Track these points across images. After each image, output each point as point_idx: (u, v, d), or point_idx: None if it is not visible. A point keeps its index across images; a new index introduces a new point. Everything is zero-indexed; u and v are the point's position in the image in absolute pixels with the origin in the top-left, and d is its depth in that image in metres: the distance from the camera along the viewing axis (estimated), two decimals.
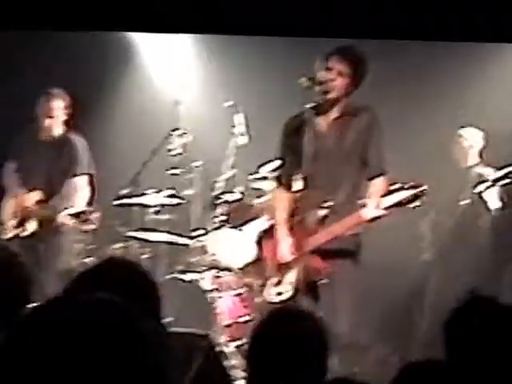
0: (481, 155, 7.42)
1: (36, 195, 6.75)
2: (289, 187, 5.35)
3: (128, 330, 1.48)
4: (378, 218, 4.89)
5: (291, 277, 5.20)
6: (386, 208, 4.85)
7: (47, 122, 6.87)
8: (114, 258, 3.19)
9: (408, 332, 7.25)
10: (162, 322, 2.76)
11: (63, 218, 6.55)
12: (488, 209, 7.15)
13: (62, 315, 1.47)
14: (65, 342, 1.42)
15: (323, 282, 5.08)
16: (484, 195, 7.10)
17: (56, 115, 6.86)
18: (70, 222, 6.54)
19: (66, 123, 6.96)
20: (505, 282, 7.03)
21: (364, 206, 4.94)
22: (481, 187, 7.08)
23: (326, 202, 5.10)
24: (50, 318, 1.48)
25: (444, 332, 2.67)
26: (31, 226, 6.70)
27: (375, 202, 4.88)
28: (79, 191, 6.83)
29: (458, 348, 2.60)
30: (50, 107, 6.84)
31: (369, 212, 4.88)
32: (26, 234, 6.71)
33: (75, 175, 6.82)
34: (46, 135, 6.92)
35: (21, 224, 6.75)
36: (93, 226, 6.58)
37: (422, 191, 4.78)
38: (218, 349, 5.32)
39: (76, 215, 6.49)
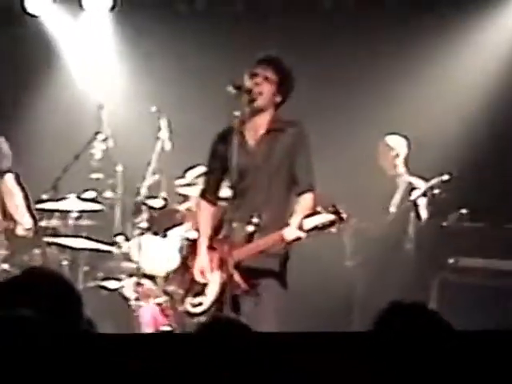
0: (406, 164, 7.47)
1: None
2: (213, 201, 5.32)
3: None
4: (299, 239, 4.88)
5: (212, 289, 5.15)
6: (308, 230, 4.83)
7: None
8: (35, 268, 3.16)
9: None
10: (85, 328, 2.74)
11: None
12: (419, 217, 7.20)
13: None
14: None
15: (245, 296, 5.03)
16: (417, 203, 7.16)
17: None
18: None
19: None
20: (431, 290, 7.10)
21: (287, 225, 4.91)
22: (414, 195, 7.14)
23: (253, 217, 5.04)
24: None
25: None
26: None
27: (297, 222, 4.86)
28: (12, 189, 6.67)
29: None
30: None
31: (290, 233, 4.87)
32: None
33: (3, 173, 6.67)
34: None
35: None
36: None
37: (341, 218, 4.78)
38: None
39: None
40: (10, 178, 6.67)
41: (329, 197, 4.96)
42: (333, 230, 4.81)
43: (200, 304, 5.19)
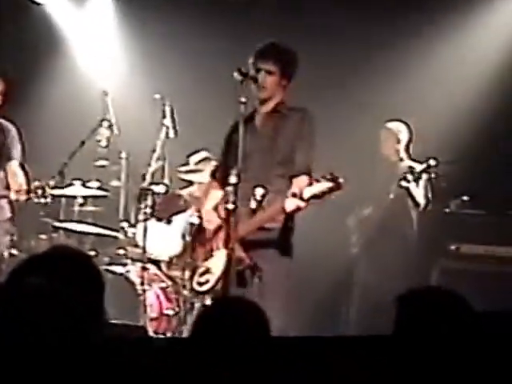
0: (407, 149, 7.51)
1: None
2: (223, 183, 5.41)
3: None
4: (299, 209, 5.00)
5: (217, 266, 5.24)
6: (307, 199, 4.93)
7: None
8: (59, 247, 3.21)
9: (337, 322, 7.35)
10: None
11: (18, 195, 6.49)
12: (416, 203, 7.25)
13: None
14: None
15: (250, 272, 5.14)
16: (410, 189, 7.19)
17: None
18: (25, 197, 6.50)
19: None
20: (432, 276, 7.15)
21: (287, 197, 5.02)
22: (406, 181, 7.15)
23: (255, 195, 5.18)
24: None
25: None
26: None
27: (297, 193, 4.97)
28: (17, 175, 6.74)
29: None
30: None
31: (290, 203, 4.98)
32: None
33: (9, 159, 6.72)
34: None
35: None
36: (47, 200, 6.53)
37: (338, 184, 4.86)
38: None
39: (28, 191, 6.46)
40: (15, 163, 6.76)
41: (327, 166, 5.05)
42: (331, 196, 4.89)
43: (207, 281, 5.29)
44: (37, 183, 6.51)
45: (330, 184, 4.86)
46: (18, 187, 6.52)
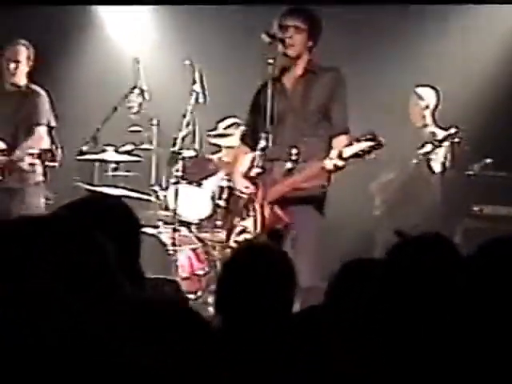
0: (433, 115, 7.60)
1: None
2: (253, 145, 5.47)
3: None
4: (340, 168, 5.04)
5: (254, 226, 5.33)
6: (346, 158, 4.99)
7: (12, 66, 6.94)
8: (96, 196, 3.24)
9: None
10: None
11: (28, 159, 6.71)
12: (432, 170, 7.35)
13: None
14: None
15: (285, 230, 5.23)
16: (430, 156, 7.28)
17: (20, 61, 6.93)
18: (35, 161, 6.73)
19: (29, 75, 7.03)
20: (456, 237, 7.24)
21: (326, 157, 5.08)
22: (427, 148, 7.25)
23: (291, 155, 5.24)
24: None
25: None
26: None
27: (336, 152, 5.01)
28: (41, 140, 6.92)
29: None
30: (16, 52, 6.93)
31: (330, 162, 5.03)
32: None
33: (37, 125, 6.90)
34: (9, 84, 6.99)
35: None
36: (55, 164, 6.74)
37: (379, 143, 4.91)
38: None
39: (39, 155, 6.64)
40: (42, 129, 6.93)
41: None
42: (371, 156, 4.95)
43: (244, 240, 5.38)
44: (46, 146, 6.70)
45: (371, 143, 4.89)
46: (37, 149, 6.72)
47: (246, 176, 5.47)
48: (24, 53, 6.95)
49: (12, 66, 6.93)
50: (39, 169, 6.90)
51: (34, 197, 6.89)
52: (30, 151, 6.76)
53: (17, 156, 6.79)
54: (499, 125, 7.64)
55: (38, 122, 6.91)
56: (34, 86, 7.03)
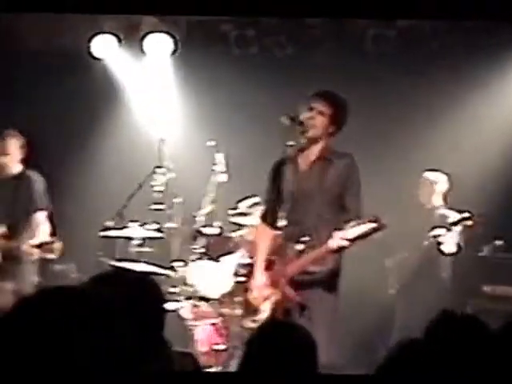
0: (445, 198, 7.81)
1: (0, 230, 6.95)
2: (273, 224, 5.61)
3: None
4: (343, 248, 5.22)
5: (266, 306, 5.49)
6: (351, 240, 5.18)
7: (1, 159, 7.09)
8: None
9: (374, 361, 7.53)
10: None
11: (27, 249, 6.77)
12: (442, 252, 7.49)
13: None
14: None
15: (298, 309, 5.35)
16: (441, 238, 7.43)
17: (11, 153, 7.06)
18: (34, 252, 6.78)
19: (24, 161, 7.13)
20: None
21: (331, 238, 5.25)
22: (438, 231, 7.41)
23: (303, 236, 5.38)
24: None
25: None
26: None
27: (341, 233, 5.19)
28: (40, 226, 7.00)
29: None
30: (5, 146, 7.05)
31: (334, 242, 5.21)
32: None
33: (36, 211, 7.00)
34: (2, 173, 7.12)
35: None
36: (53, 256, 6.82)
37: (381, 225, 5.12)
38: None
39: (39, 245, 6.74)
40: (41, 215, 7.02)
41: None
42: (374, 236, 5.14)
43: (255, 321, 5.48)
44: (48, 239, 6.78)
45: (374, 225, 5.08)
46: (37, 240, 6.74)
47: (266, 266, 5.57)
48: (16, 145, 7.04)
49: (2, 159, 7.04)
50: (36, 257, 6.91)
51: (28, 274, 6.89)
52: (30, 242, 6.76)
53: (15, 247, 6.82)
54: (510, 207, 7.85)
55: (36, 208, 7.00)
56: (29, 172, 7.11)
